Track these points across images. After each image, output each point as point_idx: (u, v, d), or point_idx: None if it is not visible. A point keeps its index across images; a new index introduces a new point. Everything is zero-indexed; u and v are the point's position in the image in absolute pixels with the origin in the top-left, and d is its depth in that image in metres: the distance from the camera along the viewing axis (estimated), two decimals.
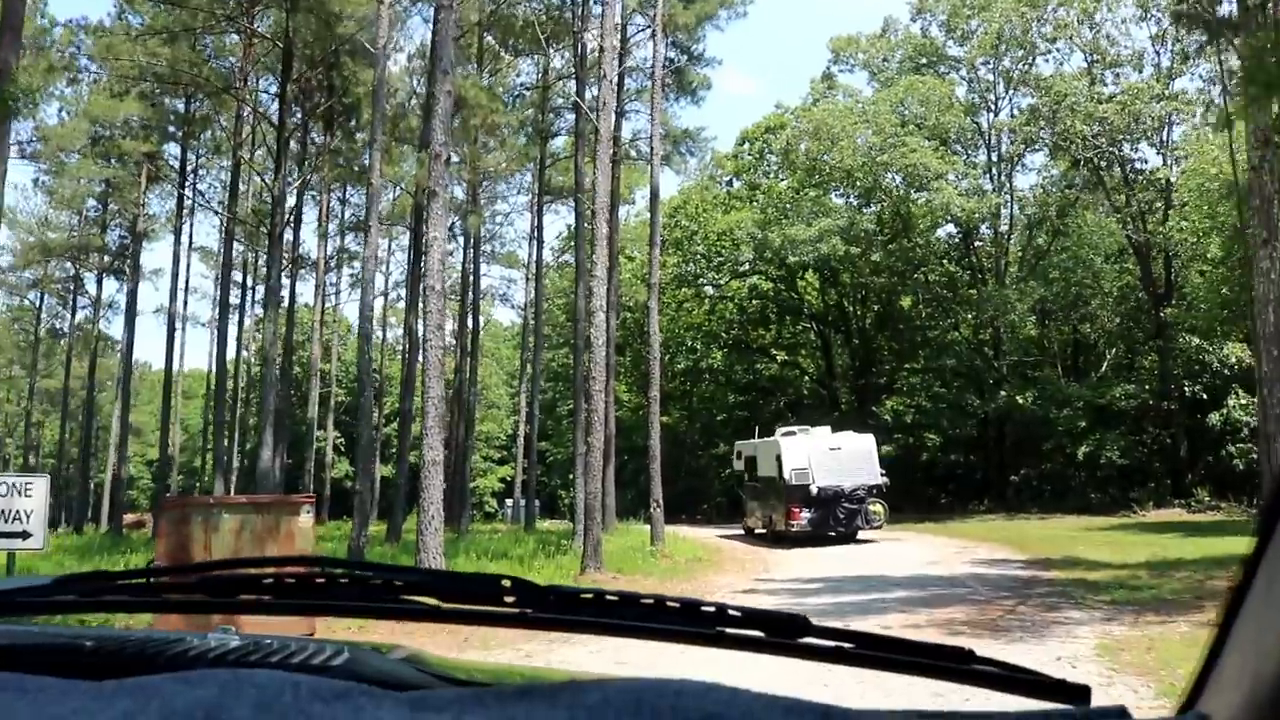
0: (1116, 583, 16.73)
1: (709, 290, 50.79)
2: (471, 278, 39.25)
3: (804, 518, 28.96)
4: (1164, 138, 39.41)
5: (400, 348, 77.84)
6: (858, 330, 49.02)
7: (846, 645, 1.24)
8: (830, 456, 29.77)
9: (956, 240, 45.31)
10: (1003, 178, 43.31)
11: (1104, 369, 43.35)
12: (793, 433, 32.19)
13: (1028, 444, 43.17)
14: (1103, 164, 39.85)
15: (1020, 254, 44.45)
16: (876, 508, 30.22)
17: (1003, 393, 40.20)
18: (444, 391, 15.51)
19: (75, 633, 1.52)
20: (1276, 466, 17.21)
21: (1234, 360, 36.13)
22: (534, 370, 39.94)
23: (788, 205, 41.38)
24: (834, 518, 29.08)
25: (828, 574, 19.18)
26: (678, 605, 1.29)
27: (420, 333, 18.39)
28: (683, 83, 34.43)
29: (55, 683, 1.00)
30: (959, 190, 38.50)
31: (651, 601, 1.30)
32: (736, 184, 50.54)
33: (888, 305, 46.16)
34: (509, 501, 57.61)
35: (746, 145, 49.54)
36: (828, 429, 32.18)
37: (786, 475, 29.57)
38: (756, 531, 32.75)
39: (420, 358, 17.67)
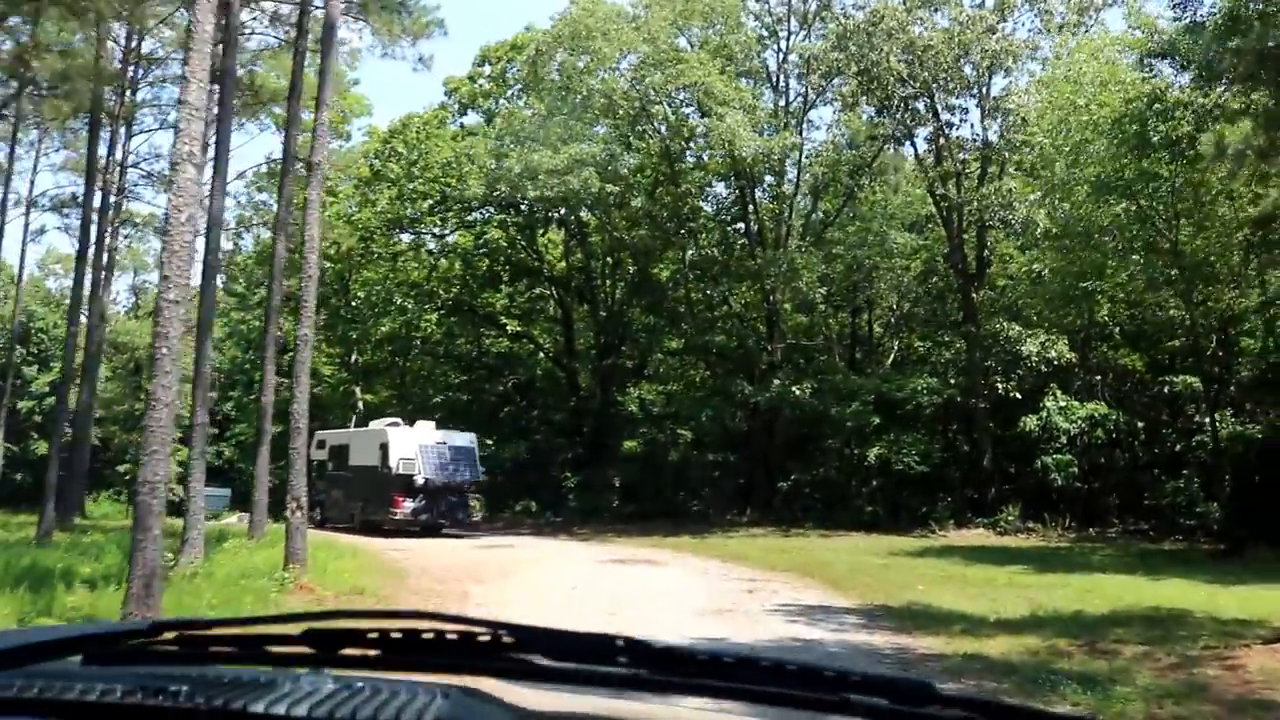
0: (1045, 668, 10.40)
1: (430, 243, 42.61)
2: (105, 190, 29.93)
3: (407, 507, 30.14)
4: (985, 89, 33.79)
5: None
6: (606, 300, 41.90)
7: (977, 717, 1.23)
8: (436, 451, 31.27)
9: (732, 198, 38.78)
10: (791, 129, 36.84)
11: (891, 358, 37.72)
12: (397, 424, 32.87)
13: (801, 444, 37.14)
14: (911, 113, 33.93)
15: (804, 222, 38.20)
16: (474, 503, 32.29)
17: (776, 381, 33.87)
18: None
19: (167, 673, 1.42)
20: None
21: (1053, 355, 30.83)
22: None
23: (532, 133, 33.73)
24: (437, 509, 30.57)
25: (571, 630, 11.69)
26: (796, 669, 1.30)
27: None
28: None
29: None
30: (745, 124, 31.58)
31: (769, 665, 1.31)
32: (473, 117, 42.42)
33: (645, 270, 39.13)
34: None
35: (486, 67, 41.49)
36: (432, 424, 33.40)
37: (392, 465, 30.52)
38: (329, 520, 32.03)
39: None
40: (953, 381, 33.25)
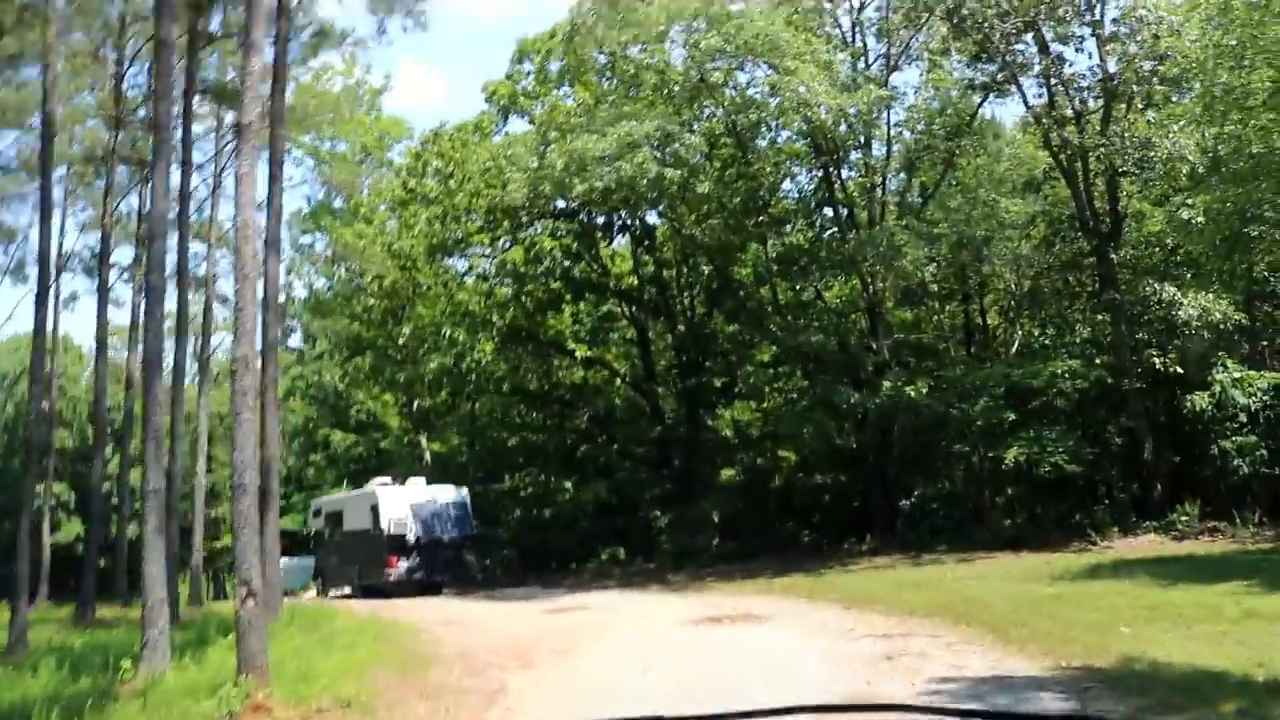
0: None
1: (482, 266, 38.61)
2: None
3: (401, 567, 30.22)
4: (1101, 10, 28.87)
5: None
6: (684, 311, 37.60)
7: None
8: (427, 507, 31.42)
9: (815, 181, 34.20)
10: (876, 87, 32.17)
11: (1016, 345, 32.91)
12: (387, 483, 32.91)
13: (922, 455, 32.48)
14: (1014, 53, 29.09)
15: (899, 200, 33.60)
16: (471, 558, 32.30)
17: (886, 383, 29.37)
18: None
19: None
20: None
21: (1218, 318, 25.90)
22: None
23: (578, 124, 29.69)
24: (432, 566, 30.63)
25: None
26: None
27: None
28: None
29: None
30: (822, 79, 27.06)
31: None
32: (518, 124, 38.34)
33: (722, 270, 34.75)
34: None
35: (526, 64, 37.41)
36: (423, 480, 33.56)
37: (384, 525, 30.53)
38: (331, 593, 32.87)
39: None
40: (1098, 362, 28.21)
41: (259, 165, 16.01)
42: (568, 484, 37.47)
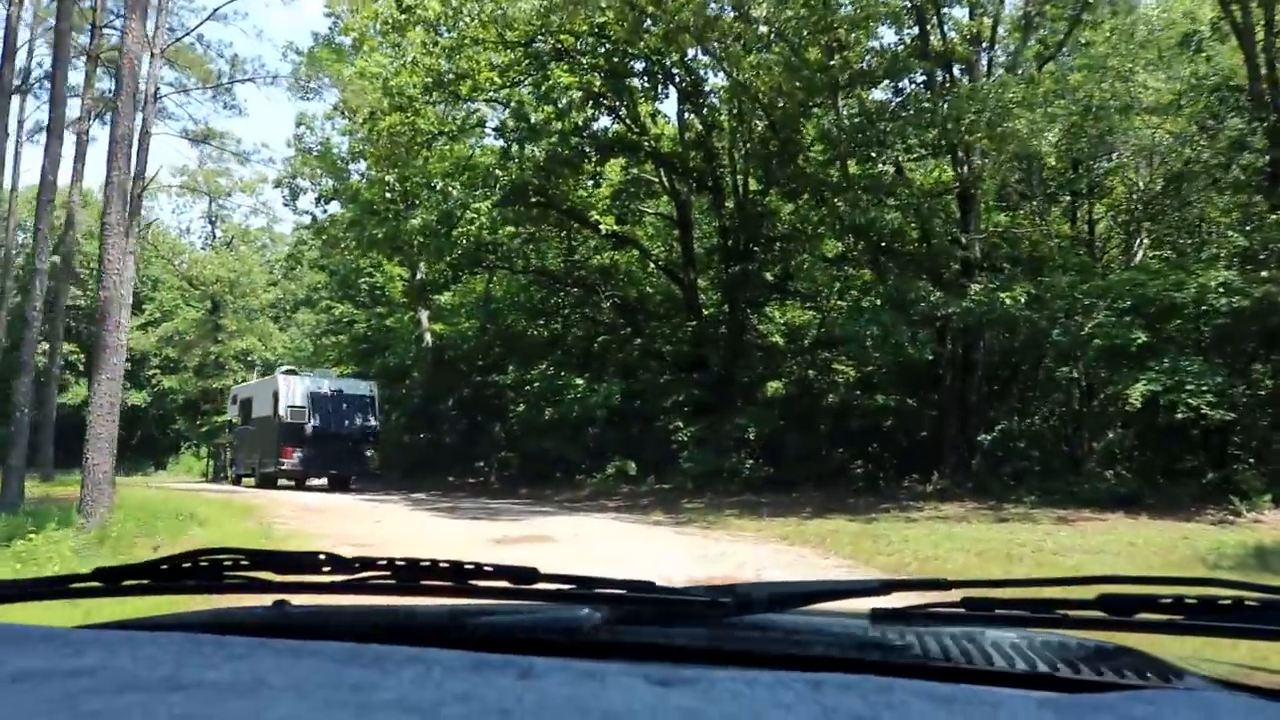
0: None
1: (495, 114, 32.94)
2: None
3: (296, 457, 30.78)
4: None
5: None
6: (735, 187, 31.68)
7: None
8: (329, 399, 32.01)
9: (907, 37, 27.86)
10: None
11: (1137, 257, 26.89)
12: (295, 372, 33.94)
13: (1011, 379, 26.72)
14: None
15: (1008, 66, 27.39)
16: (371, 453, 33.54)
17: (975, 286, 23.53)
18: None
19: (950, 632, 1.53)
20: None
21: None
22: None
23: None
24: (326, 459, 30.98)
25: None
26: None
27: None
28: None
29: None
30: None
31: None
32: None
33: (783, 134, 28.60)
34: None
35: None
36: (333, 372, 36.08)
37: (282, 414, 31.02)
38: (243, 480, 34.29)
39: None
40: (1265, 273, 21.85)
41: None
42: (579, 381, 31.95)
